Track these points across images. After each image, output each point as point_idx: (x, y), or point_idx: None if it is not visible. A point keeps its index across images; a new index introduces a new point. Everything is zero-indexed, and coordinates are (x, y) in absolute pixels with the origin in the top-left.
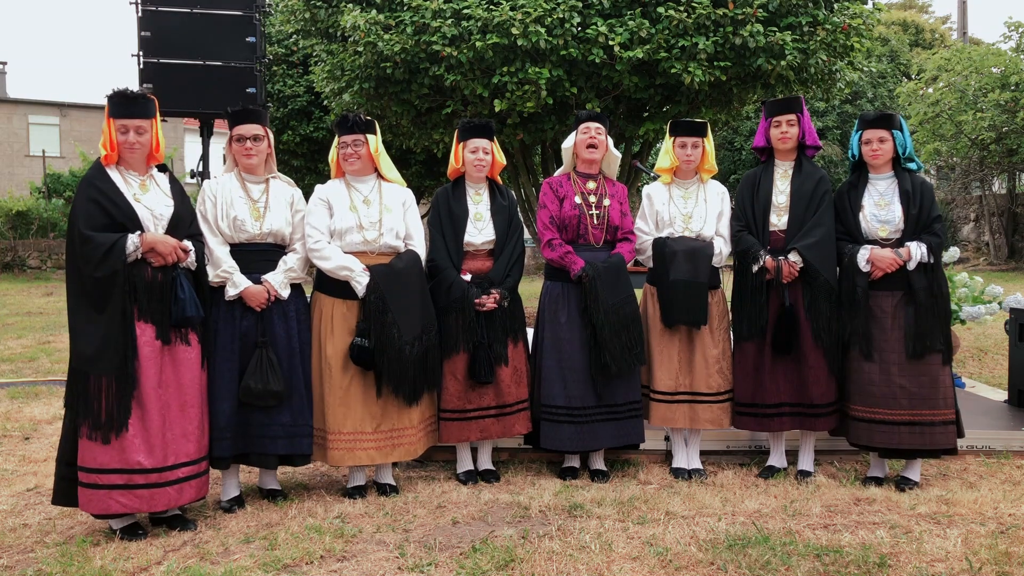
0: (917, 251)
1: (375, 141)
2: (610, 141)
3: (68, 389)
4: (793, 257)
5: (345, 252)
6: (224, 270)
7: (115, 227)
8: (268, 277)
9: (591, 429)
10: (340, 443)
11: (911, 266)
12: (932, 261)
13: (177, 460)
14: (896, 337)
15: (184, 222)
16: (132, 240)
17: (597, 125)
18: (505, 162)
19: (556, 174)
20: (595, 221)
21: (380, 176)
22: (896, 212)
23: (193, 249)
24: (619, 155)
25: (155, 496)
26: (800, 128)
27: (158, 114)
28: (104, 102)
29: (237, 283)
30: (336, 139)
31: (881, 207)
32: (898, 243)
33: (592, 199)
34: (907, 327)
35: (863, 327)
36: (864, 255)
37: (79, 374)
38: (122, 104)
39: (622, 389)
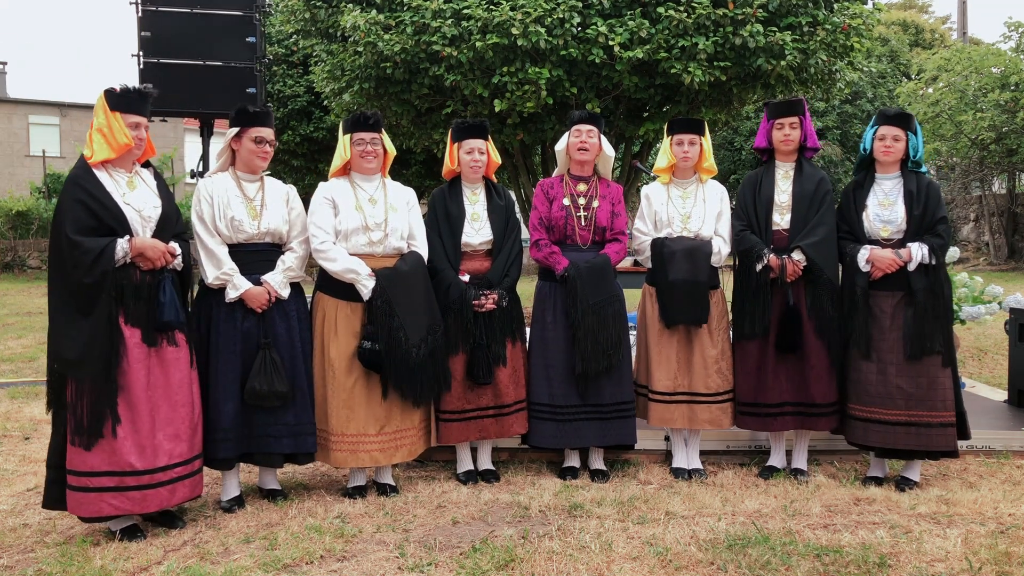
0: (918, 252)
1: (386, 139)
2: (604, 141)
3: (49, 393)
4: (797, 256)
5: (351, 254)
6: (224, 272)
7: (103, 229)
8: (267, 278)
9: (574, 427)
10: (344, 445)
11: (911, 267)
12: (933, 263)
13: (169, 461)
14: (894, 338)
15: (171, 221)
16: (121, 246)
17: (589, 127)
18: (501, 161)
19: (552, 176)
20: (582, 222)
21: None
22: (899, 212)
23: (180, 252)
24: (613, 155)
25: (147, 497)
26: (802, 130)
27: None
28: (100, 99)
29: (238, 285)
30: (347, 138)
31: (885, 207)
32: (899, 244)
33: (581, 200)
34: (906, 328)
35: (862, 327)
36: (864, 255)
37: (61, 378)
38: (137, 100)
39: (609, 389)
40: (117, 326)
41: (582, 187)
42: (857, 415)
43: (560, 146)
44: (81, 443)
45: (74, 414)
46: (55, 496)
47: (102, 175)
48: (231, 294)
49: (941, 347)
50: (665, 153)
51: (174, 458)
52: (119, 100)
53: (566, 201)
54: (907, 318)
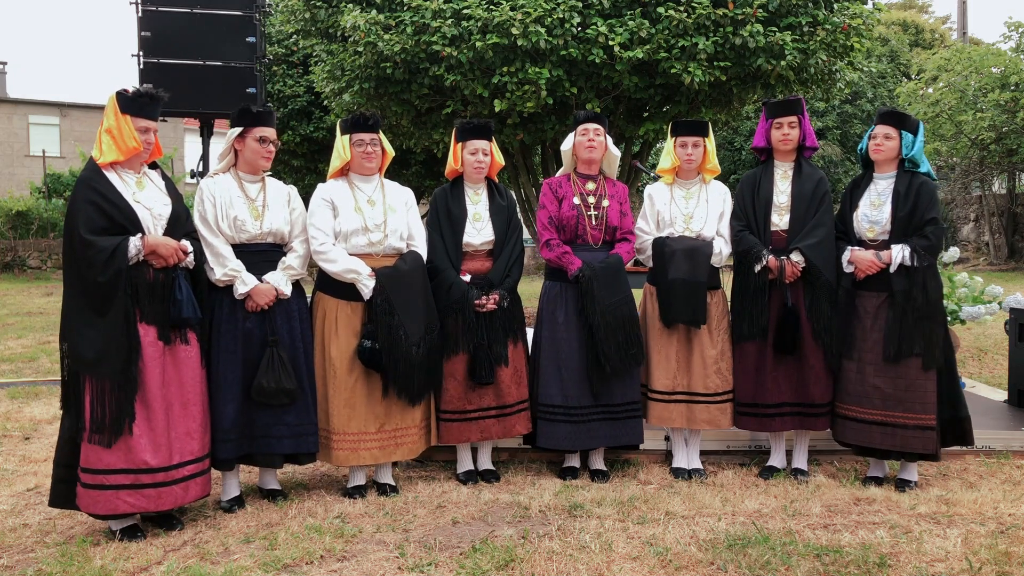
0: (899, 254)
1: (385, 140)
2: (610, 141)
3: (65, 392)
4: (795, 257)
5: (350, 254)
6: (232, 269)
7: (115, 229)
8: (269, 277)
9: (588, 428)
10: (345, 443)
11: (892, 269)
12: (916, 264)
13: (182, 459)
14: (875, 338)
15: (182, 220)
16: (134, 243)
17: (595, 126)
18: (504, 162)
19: (557, 175)
20: (593, 222)
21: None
22: (886, 213)
23: (192, 249)
24: (619, 154)
25: (162, 495)
26: (801, 130)
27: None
28: (111, 100)
29: (246, 281)
30: (346, 138)
31: (875, 207)
32: (884, 244)
33: (591, 199)
34: (886, 329)
35: (844, 326)
36: (846, 256)
37: (79, 378)
38: (148, 105)
39: (619, 389)
40: (134, 325)
41: (591, 185)
42: (840, 413)
43: (566, 146)
44: (101, 441)
45: (93, 413)
46: (63, 495)
47: (112, 176)
48: (240, 289)
49: (921, 350)
50: (668, 155)
51: (186, 456)
52: (130, 103)
53: (576, 200)
54: (888, 319)
